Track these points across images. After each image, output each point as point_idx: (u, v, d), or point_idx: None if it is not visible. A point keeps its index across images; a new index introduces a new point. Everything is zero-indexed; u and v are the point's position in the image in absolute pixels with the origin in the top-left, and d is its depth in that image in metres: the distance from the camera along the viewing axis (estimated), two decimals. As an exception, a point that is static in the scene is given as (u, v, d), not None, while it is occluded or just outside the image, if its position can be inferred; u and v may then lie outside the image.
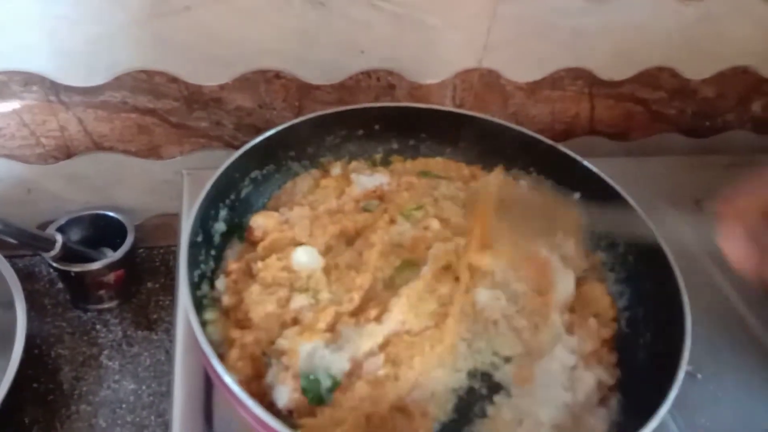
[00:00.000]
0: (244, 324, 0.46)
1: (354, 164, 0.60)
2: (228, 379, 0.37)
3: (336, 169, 0.59)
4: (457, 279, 0.50)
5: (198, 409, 0.48)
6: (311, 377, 0.43)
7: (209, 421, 0.48)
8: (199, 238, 0.48)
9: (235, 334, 0.45)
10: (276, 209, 0.55)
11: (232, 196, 0.53)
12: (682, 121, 0.84)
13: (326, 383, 0.43)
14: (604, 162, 0.57)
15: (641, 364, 0.48)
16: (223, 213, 0.53)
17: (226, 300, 0.48)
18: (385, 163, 0.62)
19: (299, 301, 0.47)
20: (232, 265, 0.51)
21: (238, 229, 0.53)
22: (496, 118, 0.60)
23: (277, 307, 0.46)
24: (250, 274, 0.50)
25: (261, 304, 0.46)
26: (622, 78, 0.76)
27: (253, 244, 0.52)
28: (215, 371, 0.39)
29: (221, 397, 0.49)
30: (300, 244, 0.51)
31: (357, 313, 0.47)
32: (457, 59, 0.69)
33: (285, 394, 0.42)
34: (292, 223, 0.53)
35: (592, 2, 0.67)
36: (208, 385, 0.50)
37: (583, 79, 0.75)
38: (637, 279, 0.52)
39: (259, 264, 0.49)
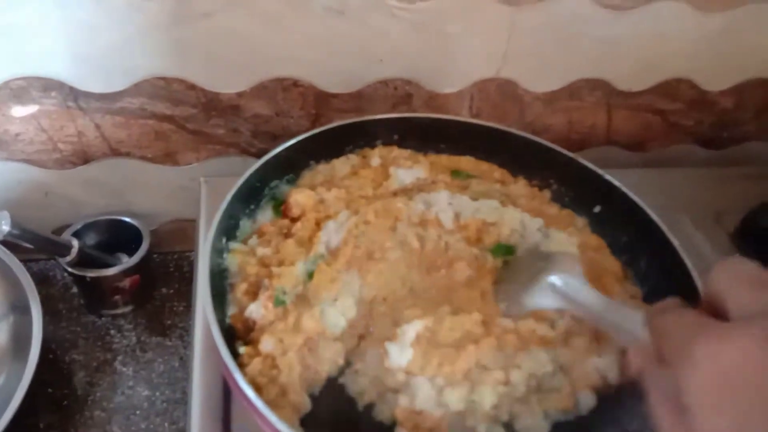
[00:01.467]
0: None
1: (396, 152, 0.59)
2: (249, 392, 0.37)
3: (375, 160, 0.59)
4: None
5: (217, 417, 0.48)
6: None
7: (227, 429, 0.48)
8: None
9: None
10: (310, 188, 0.55)
11: (252, 206, 0.53)
12: (699, 132, 0.83)
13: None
14: (621, 173, 0.57)
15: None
16: (243, 222, 0.53)
17: (260, 251, 0.49)
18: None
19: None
20: (267, 227, 0.51)
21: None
22: (518, 130, 0.60)
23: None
24: (283, 235, 0.51)
25: (295, 255, 0.47)
26: (641, 89, 0.75)
27: (290, 219, 0.53)
28: (234, 380, 0.38)
29: (239, 405, 0.49)
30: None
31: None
32: (476, 69, 0.69)
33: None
34: (327, 204, 0.53)
35: (613, 13, 0.66)
36: (226, 391, 0.50)
37: (601, 89, 0.74)
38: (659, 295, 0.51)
39: (297, 224, 0.51)
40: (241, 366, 0.41)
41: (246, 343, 0.43)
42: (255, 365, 0.41)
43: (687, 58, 0.74)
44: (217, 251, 0.47)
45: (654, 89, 0.76)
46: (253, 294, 0.45)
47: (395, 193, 0.54)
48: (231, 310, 0.46)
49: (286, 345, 0.41)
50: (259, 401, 0.37)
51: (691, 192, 0.76)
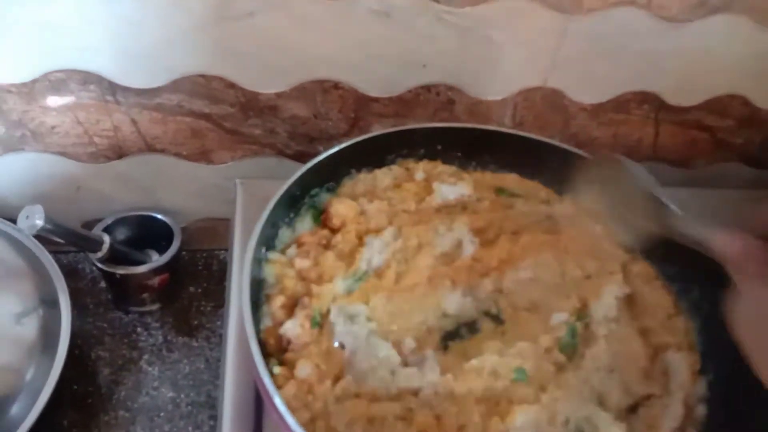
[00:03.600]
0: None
1: (440, 168, 0.58)
2: (288, 418, 0.35)
3: (419, 173, 0.57)
4: None
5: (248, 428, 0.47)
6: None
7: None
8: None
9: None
10: (351, 197, 0.53)
11: (291, 214, 0.52)
12: (748, 151, 0.80)
13: None
14: (665, 192, 0.54)
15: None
16: (282, 231, 0.51)
17: (299, 263, 0.48)
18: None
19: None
20: (307, 237, 0.50)
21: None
22: (565, 144, 0.57)
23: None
24: (323, 246, 0.50)
25: (335, 269, 0.47)
26: (690, 104, 0.73)
27: (330, 229, 0.51)
28: (271, 400, 0.37)
29: (271, 417, 0.48)
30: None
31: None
32: (521, 77, 0.66)
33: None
34: (369, 215, 0.51)
35: (665, 25, 0.64)
36: (258, 403, 0.49)
37: (649, 103, 0.71)
38: (712, 331, 0.48)
39: (337, 236, 0.50)
40: (276, 386, 0.39)
41: (280, 363, 0.42)
42: (290, 389, 0.39)
43: (739, 74, 0.71)
44: (256, 260, 0.45)
45: (704, 105, 0.73)
46: (290, 308, 0.44)
47: (438, 209, 0.53)
48: (265, 323, 0.44)
49: (323, 372, 0.40)
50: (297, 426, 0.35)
51: (736, 213, 0.73)
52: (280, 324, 0.43)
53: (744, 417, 0.42)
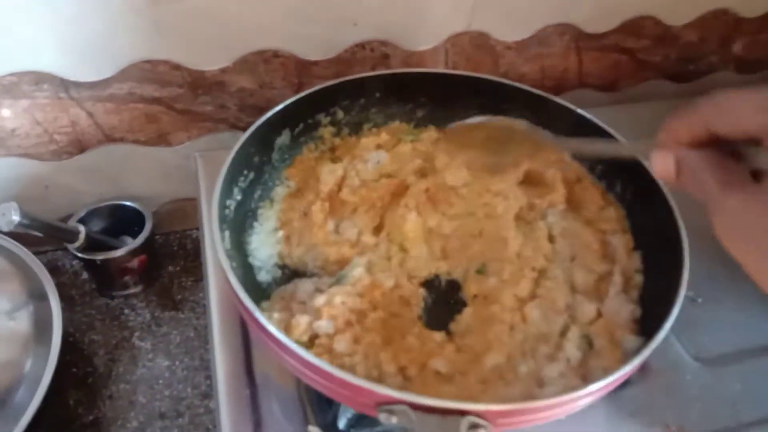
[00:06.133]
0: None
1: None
2: (262, 318, 0.40)
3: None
4: None
5: (239, 360, 0.52)
6: None
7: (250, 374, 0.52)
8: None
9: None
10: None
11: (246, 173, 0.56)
12: (667, 67, 0.87)
13: None
14: (593, 111, 0.60)
15: (644, 292, 0.51)
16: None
17: (292, 185, 0.58)
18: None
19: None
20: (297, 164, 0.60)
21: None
22: (492, 76, 0.62)
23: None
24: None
25: (330, 174, 0.56)
26: (607, 30, 0.78)
27: None
28: (250, 314, 0.41)
29: (260, 349, 0.53)
30: None
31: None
32: (447, 23, 0.71)
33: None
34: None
35: (570, -44, 0.69)
36: (246, 341, 0.54)
37: (569, 34, 0.77)
38: (637, 214, 0.55)
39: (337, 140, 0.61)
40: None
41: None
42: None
43: (647, -5, 0.77)
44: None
45: (620, 29, 0.79)
46: None
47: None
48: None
49: None
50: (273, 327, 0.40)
51: (660, 123, 0.79)
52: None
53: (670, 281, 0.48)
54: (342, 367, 0.43)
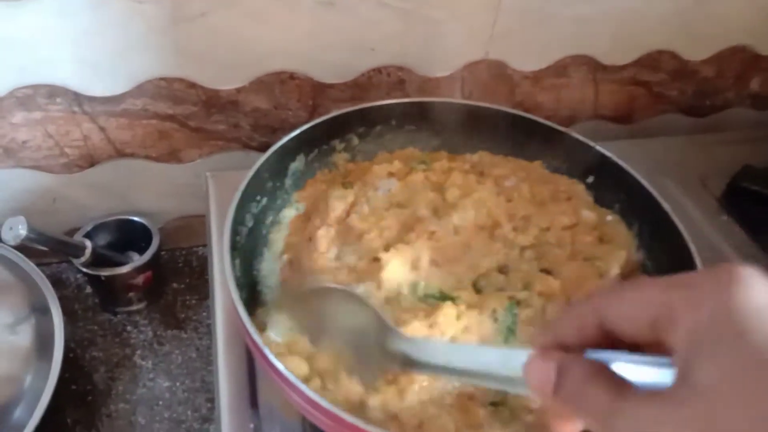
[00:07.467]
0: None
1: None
2: (267, 351, 0.39)
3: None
4: None
5: (244, 395, 0.51)
6: None
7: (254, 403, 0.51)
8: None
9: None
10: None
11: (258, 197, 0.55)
12: (683, 102, 0.86)
13: None
14: (609, 145, 0.59)
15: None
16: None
17: (302, 208, 0.57)
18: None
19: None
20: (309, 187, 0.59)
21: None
22: (508, 108, 0.62)
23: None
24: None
25: (340, 200, 0.56)
26: (624, 62, 0.78)
27: None
28: (253, 340, 0.40)
29: (265, 379, 0.52)
30: None
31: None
32: (464, 51, 0.71)
33: None
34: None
35: (591, -11, 0.69)
36: (251, 367, 0.53)
37: (586, 65, 0.77)
38: (654, 252, 0.54)
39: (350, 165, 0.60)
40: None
41: None
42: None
43: (664, 30, 0.76)
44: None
45: (637, 62, 0.78)
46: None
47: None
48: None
49: None
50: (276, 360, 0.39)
51: (677, 159, 0.79)
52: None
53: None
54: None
